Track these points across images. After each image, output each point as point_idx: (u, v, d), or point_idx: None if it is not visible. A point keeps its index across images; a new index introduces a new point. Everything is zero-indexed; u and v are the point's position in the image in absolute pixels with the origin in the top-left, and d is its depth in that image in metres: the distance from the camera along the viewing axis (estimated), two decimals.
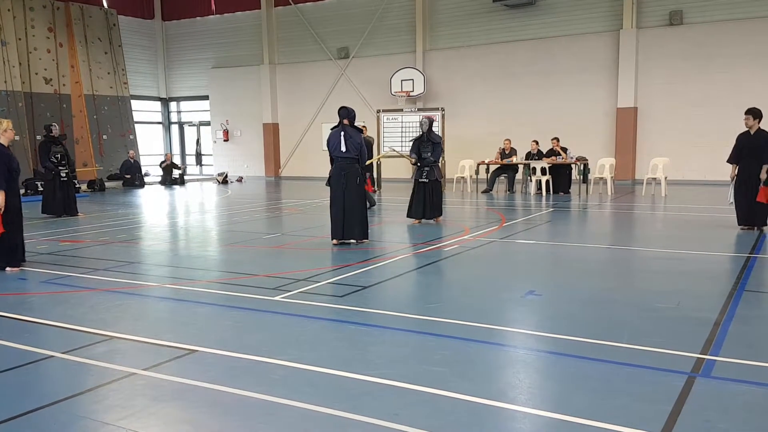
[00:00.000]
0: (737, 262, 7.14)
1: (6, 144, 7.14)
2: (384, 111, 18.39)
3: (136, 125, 24.16)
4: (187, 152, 28.24)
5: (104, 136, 22.48)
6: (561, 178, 15.86)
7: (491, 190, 16.63)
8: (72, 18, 21.70)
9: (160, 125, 27.93)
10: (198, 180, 24.67)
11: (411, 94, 20.37)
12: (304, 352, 4.21)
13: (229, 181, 22.90)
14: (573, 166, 15.98)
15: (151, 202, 16.08)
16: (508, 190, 16.66)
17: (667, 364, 3.88)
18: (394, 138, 17.84)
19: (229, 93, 25.22)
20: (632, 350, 4.16)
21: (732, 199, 9.24)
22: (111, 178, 21.37)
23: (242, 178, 24.19)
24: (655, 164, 15.29)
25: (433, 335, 4.57)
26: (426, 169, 10.40)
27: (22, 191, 8.62)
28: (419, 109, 18.77)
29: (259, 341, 4.49)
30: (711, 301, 5.31)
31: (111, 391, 3.62)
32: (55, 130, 12.56)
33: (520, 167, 16.91)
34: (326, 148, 8.61)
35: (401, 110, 18.56)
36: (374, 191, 16.95)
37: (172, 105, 27.94)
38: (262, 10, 23.89)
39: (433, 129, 10.92)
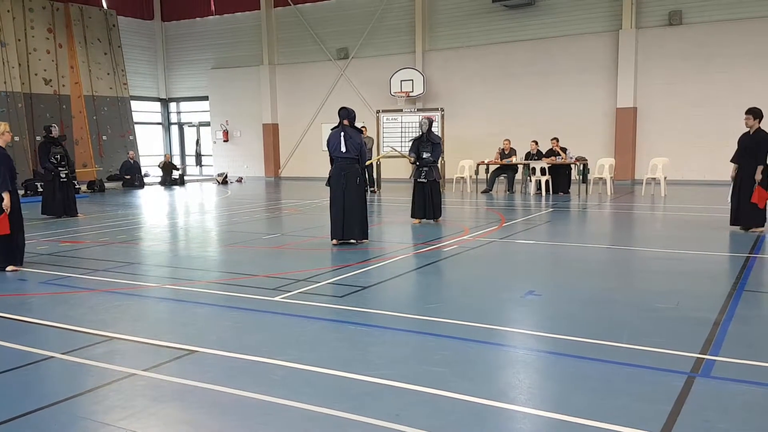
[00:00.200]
0: (737, 262, 7.14)
1: (3, 146, 7.19)
2: (383, 111, 18.39)
3: (135, 126, 24.16)
4: (186, 153, 28.25)
5: (104, 137, 22.48)
6: (560, 178, 15.86)
7: (491, 191, 16.63)
8: (71, 19, 21.70)
9: (160, 126, 27.93)
10: (198, 180, 24.68)
11: (410, 94, 20.38)
12: (304, 353, 4.21)
13: (228, 182, 22.90)
14: (572, 166, 15.99)
15: (151, 203, 16.08)
16: (508, 191, 16.66)
17: (667, 364, 3.89)
18: (393, 138, 17.83)
19: (228, 93, 25.23)
20: (632, 350, 4.16)
21: (730, 199, 9.25)
22: (111, 178, 21.36)
23: (242, 178, 24.19)
24: (655, 164, 15.29)
25: (433, 335, 4.57)
26: (425, 169, 10.41)
27: (21, 192, 8.65)
28: (419, 110, 18.76)
29: (258, 342, 4.49)
30: (710, 301, 5.31)
31: (111, 392, 3.63)
32: (55, 131, 12.56)
33: (520, 167, 16.91)
34: (326, 149, 8.61)
35: (401, 111, 18.56)
36: (374, 191, 16.98)
37: (172, 106, 27.94)
38: (261, 10, 23.90)
39: (433, 129, 10.93)
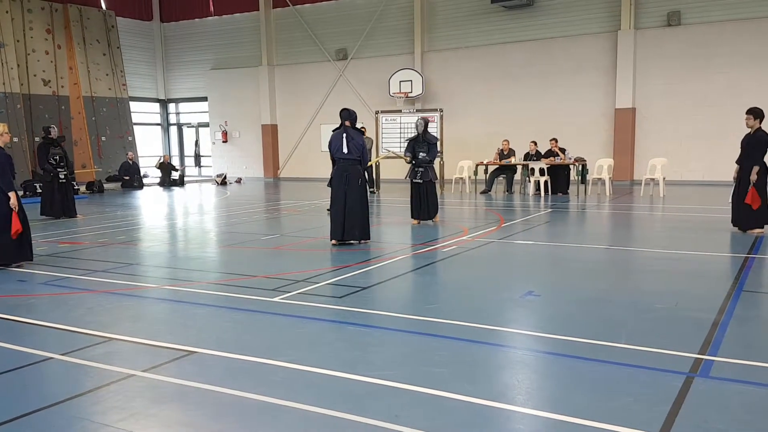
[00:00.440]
0: (735, 262, 7.15)
1: (2, 147, 7.34)
2: (382, 112, 18.39)
3: (134, 127, 24.15)
4: (185, 153, 28.24)
5: (103, 138, 22.47)
6: (559, 178, 15.88)
7: (490, 191, 16.64)
8: (70, 20, 21.70)
9: (159, 127, 27.92)
10: (197, 181, 24.67)
11: (409, 95, 20.39)
12: (304, 354, 4.21)
13: (227, 183, 22.90)
14: (571, 166, 16.01)
15: (150, 204, 16.07)
16: (507, 191, 16.67)
17: (666, 365, 3.89)
18: (392, 139, 17.84)
19: (227, 94, 25.22)
20: (631, 350, 4.16)
21: (731, 199, 9.24)
22: (110, 179, 21.35)
23: (241, 179, 24.19)
24: (653, 165, 15.31)
25: (433, 336, 4.57)
26: (420, 169, 10.40)
27: (21, 193, 8.74)
28: (418, 110, 18.77)
29: (258, 342, 4.50)
30: (709, 302, 5.31)
31: (110, 393, 3.63)
32: (54, 132, 12.56)
33: (519, 168, 16.92)
34: (326, 149, 8.62)
35: (400, 111, 18.56)
36: (373, 192, 16.98)
37: (171, 106, 27.93)
38: (260, 11, 23.90)
39: (430, 130, 10.92)
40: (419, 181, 10.36)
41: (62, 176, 12.36)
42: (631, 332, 4.57)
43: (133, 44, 25.48)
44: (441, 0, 20.75)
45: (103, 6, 23.71)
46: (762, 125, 8.92)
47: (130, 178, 21.02)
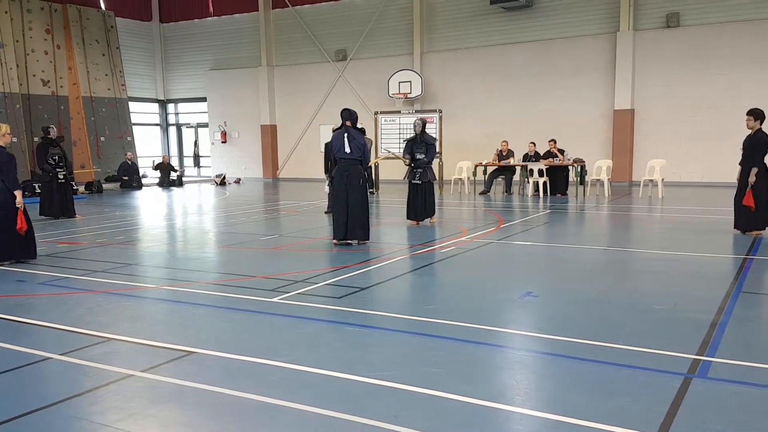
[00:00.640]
0: (734, 263, 7.16)
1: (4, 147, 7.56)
2: (382, 113, 18.40)
3: (133, 127, 24.15)
4: (184, 154, 28.23)
5: (102, 138, 22.47)
6: (558, 179, 15.89)
7: (488, 192, 16.64)
8: (69, 20, 21.69)
9: (158, 127, 27.92)
10: (196, 181, 24.66)
11: (409, 95, 20.40)
12: (302, 354, 4.21)
13: (226, 183, 22.90)
14: (570, 167, 16.02)
15: (149, 204, 16.07)
16: (506, 192, 16.68)
17: (664, 365, 3.89)
18: (391, 140, 17.85)
19: (227, 95, 25.22)
20: (629, 351, 4.17)
21: (734, 200, 9.21)
22: (109, 179, 21.34)
23: (240, 179, 24.19)
24: (652, 166, 15.32)
25: (431, 336, 4.57)
26: (419, 170, 10.40)
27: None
28: (417, 111, 18.78)
29: (256, 343, 4.50)
30: (708, 303, 5.32)
31: (109, 393, 3.63)
32: (53, 132, 12.54)
33: (518, 169, 16.93)
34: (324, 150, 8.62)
35: (399, 112, 18.57)
36: (372, 193, 16.98)
37: (170, 107, 27.93)
38: (259, 12, 23.91)
39: (428, 131, 10.92)
40: (418, 182, 10.36)
41: (61, 176, 12.35)
42: (630, 333, 4.57)
43: (132, 44, 25.48)
44: (440, 1, 20.76)
45: (103, 6, 23.71)
46: (762, 126, 8.90)
47: (129, 178, 21.02)
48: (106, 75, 22.84)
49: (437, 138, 16.21)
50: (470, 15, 20.23)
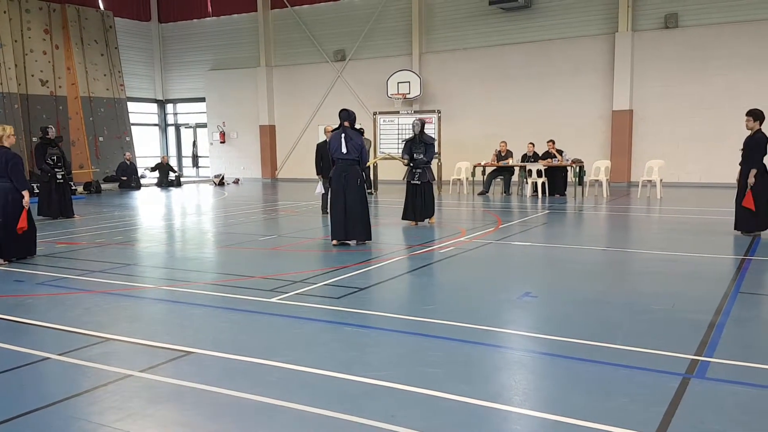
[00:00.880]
0: (732, 264, 7.17)
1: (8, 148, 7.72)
2: (380, 113, 18.41)
3: (132, 127, 24.13)
4: (183, 154, 28.22)
5: (100, 138, 22.45)
6: (557, 180, 15.90)
7: (487, 192, 16.65)
8: (68, 20, 21.68)
9: (157, 127, 27.90)
10: (194, 182, 24.65)
11: (407, 96, 20.41)
12: (300, 354, 4.21)
13: (225, 183, 22.89)
14: (568, 168, 16.03)
15: (148, 204, 16.06)
16: (504, 192, 16.69)
17: (662, 366, 3.90)
18: (390, 140, 17.85)
19: (225, 95, 25.22)
20: (627, 351, 4.17)
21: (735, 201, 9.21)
22: (107, 180, 21.33)
23: (238, 179, 24.19)
24: (651, 167, 15.34)
25: (430, 337, 4.58)
26: (418, 171, 10.40)
27: None
28: (415, 112, 18.79)
29: (255, 343, 4.50)
30: (706, 303, 5.32)
31: (107, 393, 3.62)
32: (52, 132, 12.53)
33: (516, 169, 16.95)
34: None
35: (397, 112, 18.58)
36: (371, 193, 16.98)
37: (169, 107, 27.92)
38: (258, 12, 23.91)
39: (427, 131, 10.92)
40: (417, 182, 10.36)
41: (60, 176, 12.34)
42: (628, 333, 4.58)
43: (131, 45, 25.47)
44: (439, 1, 20.78)
45: (101, 6, 23.70)
46: (762, 127, 8.88)
47: (127, 178, 21.00)
48: (105, 75, 22.83)
49: (436, 138, 16.21)
50: (469, 15, 20.25)
